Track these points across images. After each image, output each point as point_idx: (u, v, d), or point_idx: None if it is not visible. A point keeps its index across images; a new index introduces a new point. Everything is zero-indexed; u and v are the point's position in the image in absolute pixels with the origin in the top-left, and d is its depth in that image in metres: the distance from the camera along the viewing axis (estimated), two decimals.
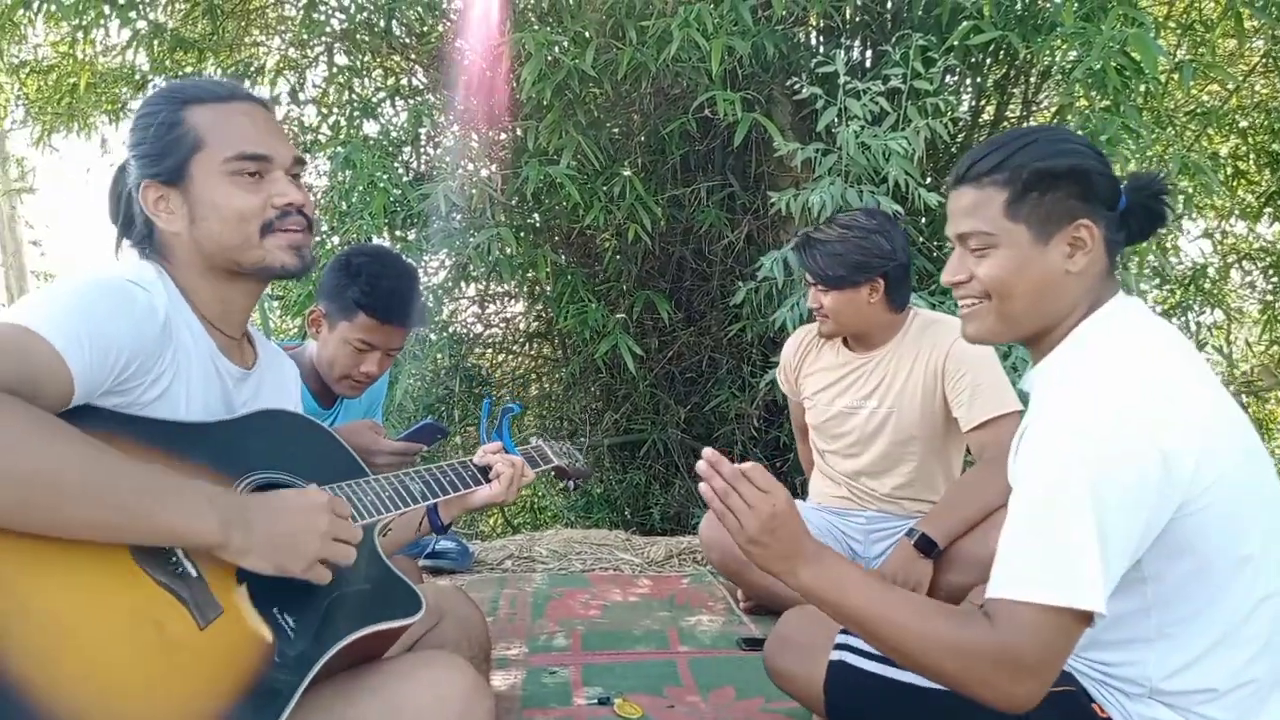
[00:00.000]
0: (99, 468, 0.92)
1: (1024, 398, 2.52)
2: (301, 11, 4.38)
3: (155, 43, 4.12)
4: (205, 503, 0.97)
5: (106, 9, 3.84)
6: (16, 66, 5.20)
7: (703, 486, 1.15)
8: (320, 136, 4.41)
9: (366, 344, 1.86)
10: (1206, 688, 1.11)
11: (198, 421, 1.13)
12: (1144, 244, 3.09)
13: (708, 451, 1.15)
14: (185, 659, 0.95)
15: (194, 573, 1.00)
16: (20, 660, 0.85)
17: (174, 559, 0.99)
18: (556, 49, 3.19)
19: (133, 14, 3.93)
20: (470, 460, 1.49)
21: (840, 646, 1.38)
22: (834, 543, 2.31)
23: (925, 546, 2.00)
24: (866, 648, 1.35)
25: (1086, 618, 1.02)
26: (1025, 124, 4.10)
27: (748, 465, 1.15)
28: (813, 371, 2.40)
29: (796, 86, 3.03)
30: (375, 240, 3.86)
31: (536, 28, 3.24)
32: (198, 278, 1.18)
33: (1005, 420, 2.08)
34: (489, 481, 1.47)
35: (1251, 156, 4.40)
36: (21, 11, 4.19)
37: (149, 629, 0.94)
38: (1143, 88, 3.17)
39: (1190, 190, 3.67)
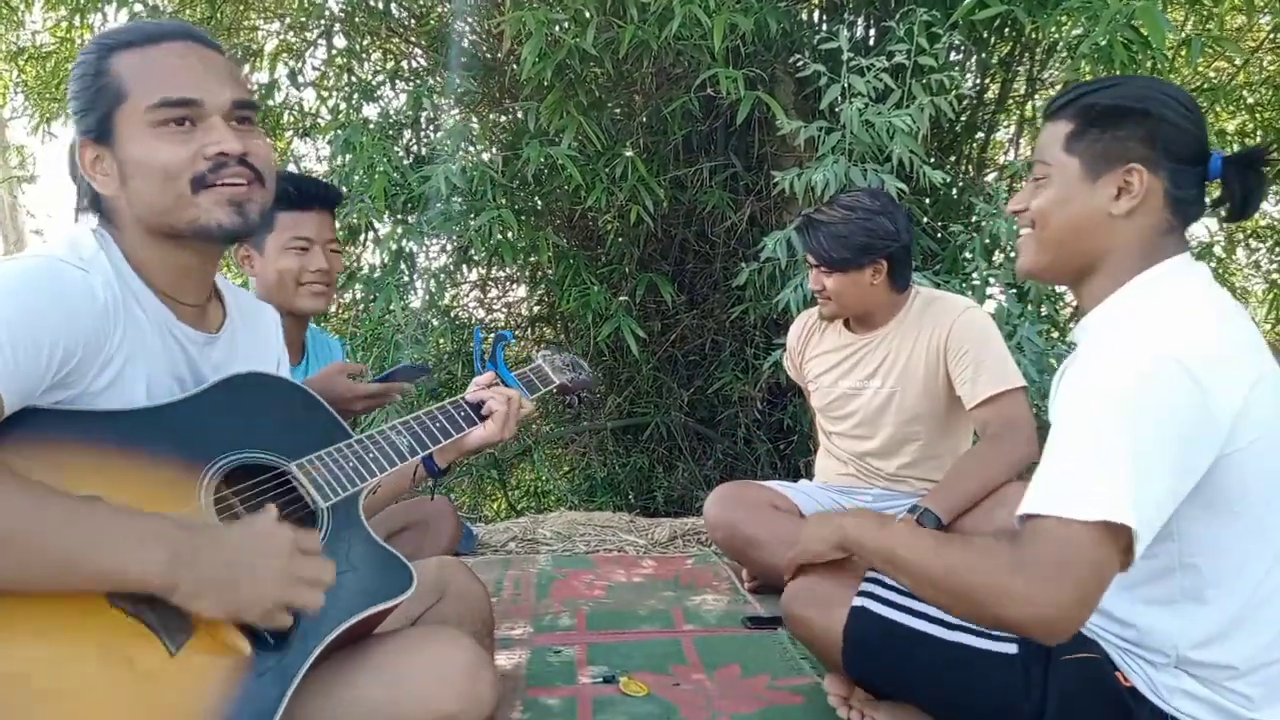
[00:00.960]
0: (36, 523, 0.84)
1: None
2: None
3: None
4: (150, 540, 0.89)
5: None
6: (14, 53, 5.17)
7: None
8: (320, 120, 4.38)
9: (299, 240, 1.80)
10: (1229, 664, 1.09)
11: (154, 405, 1.04)
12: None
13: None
14: (160, 691, 0.90)
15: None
16: None
17: None
18: (557, 28, 3.16)
19: None
20: (462, 398, 1.39)
21: (864, 594, 1.38)
22: None
23: (929, 523, 1.98)
24: (890, 595, 1.35)
25: (1121, 539, 0.99)
26: (1030, 101, 4.06)
27: None
28: (816, 354, 2.39)
29: (799, 64, 3.00)
30: (376, 225, 3.85)
31: (536, 6, 3.21)
32: (143, 244, 1.07)
33: (1009, 396, 2.07)
34: (482, 420, 1.38)
35: (1259, 133, 4.36)
36: None
37: (120, 667, 0.89)
38: (1149, 63, 3.13)
39: None
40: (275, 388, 1.18)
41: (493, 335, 1.50)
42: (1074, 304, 2.80)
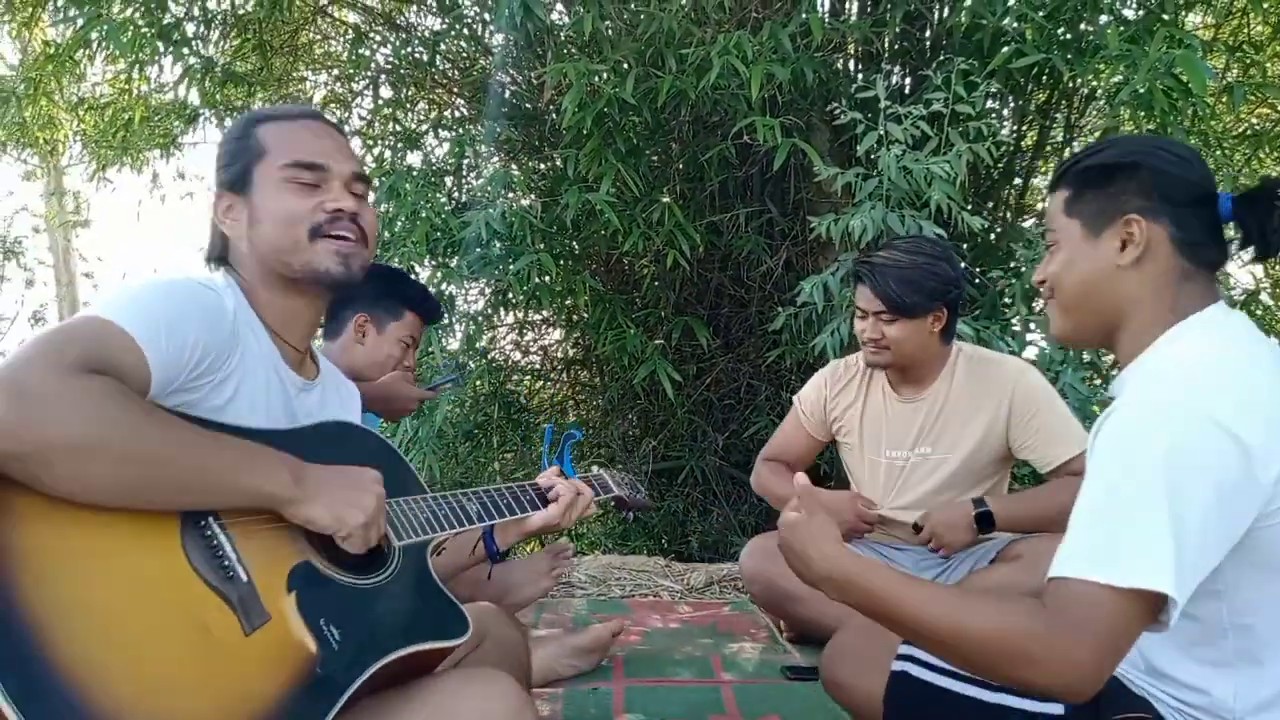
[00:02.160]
0: (185, 438, 0.98)
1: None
2: (348, 47, 4.51)
3: (207, 78, 4.24)
4: (278, 463, 1.04)
5: (161, 46, 3.97)
6: (75, 104, 5.39)
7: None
8: (365, 168, 4.49)
9: (413, 339, 2.11)
10: None
11: (262, 428, 1.13)
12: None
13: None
14: (229, 663, 0.96)
15: (245, 578, 1.01)
16: (69, 649, 0.86)
17: (226, 562, 1.00)
18: (597, 78, 3.23)
19: (185, 50, 4.06)
20: (530, 483, 1.45)
21: (903, 657, 1.35)
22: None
23: (981, 520, 1.95)
24: (929, 659, 1.32)
25: (1152, 604, 0.96)
26: (1068, 148, 4.06)
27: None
28: (850, 413, 2.29)
29: (836, 112, 3.03)
30: (417, 268, 3.93)
31: (577, 58, 3.28)
32: (260, 284, 1.21)
33: (1081, 459, 2.03)
34: (547, 505, 1.43)
35: None
36: (81, 50, 4.36)
37: (196, 631, 0.95)
38: (1190, 110, 3.12)
39: None
40: (368, 439, 1.28)
41: (563, 434, 1.60)
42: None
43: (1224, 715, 1.09)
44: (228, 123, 4.37)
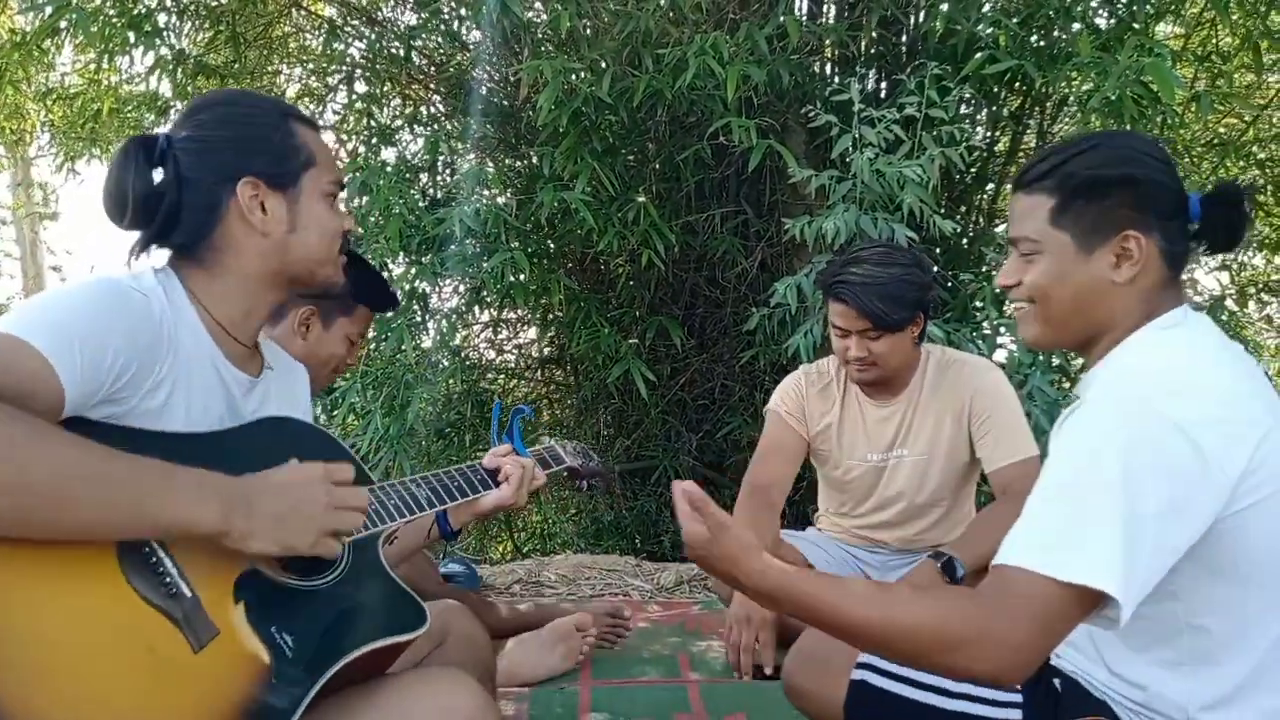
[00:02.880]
0: (97, 468, 0.92)
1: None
2: (322, 41, 4.46)
3: (179, 70, 4.18)
4: (205, 490, 0.97)
5: (132, 36, 3.91)
6: (44, 93, 5.30)
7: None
8: (339, 162, 4.45)
9: (361, 335, 1.92)
10: None
11: (195, 432, 1.10)
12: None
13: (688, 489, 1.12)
14: (178, 683, 0.93)
15: (189, 593, 0.98)
16: (5, 682, 0.83)
17: (168, 579, 0.97)
18: (573, 77, 3.22)
19: (157, 41, 4.00)
20: (479, 463, 1.46)
21: (862, 665, 1.36)
22: (848, 569, 2.27)
23: (949, 569, 1.96)
24: (889, 667, 1.33)
25: (1093, 600, 0.96)
26: None
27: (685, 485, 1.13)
28: (824, 423, 2.26)
29: (811, 114, 3.04)
30: (390, 265, 3.90)
31: (554, 56, 3.27)
32: (238, 285, 1.16)
33: (1029, 462, 2.05)
34: (498, 485, 1.44)
35: (1270, 189, 4.38)
36: (49, 39, 4.29)
37: (140, 652, 0.92)
38: (1160, 118, 3.17)
39: None
40: (309, 434, 1.25)
41: (511, 410, 1.58)
42: None
43: (1176, 715, 1.10)
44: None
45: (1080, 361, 3.43)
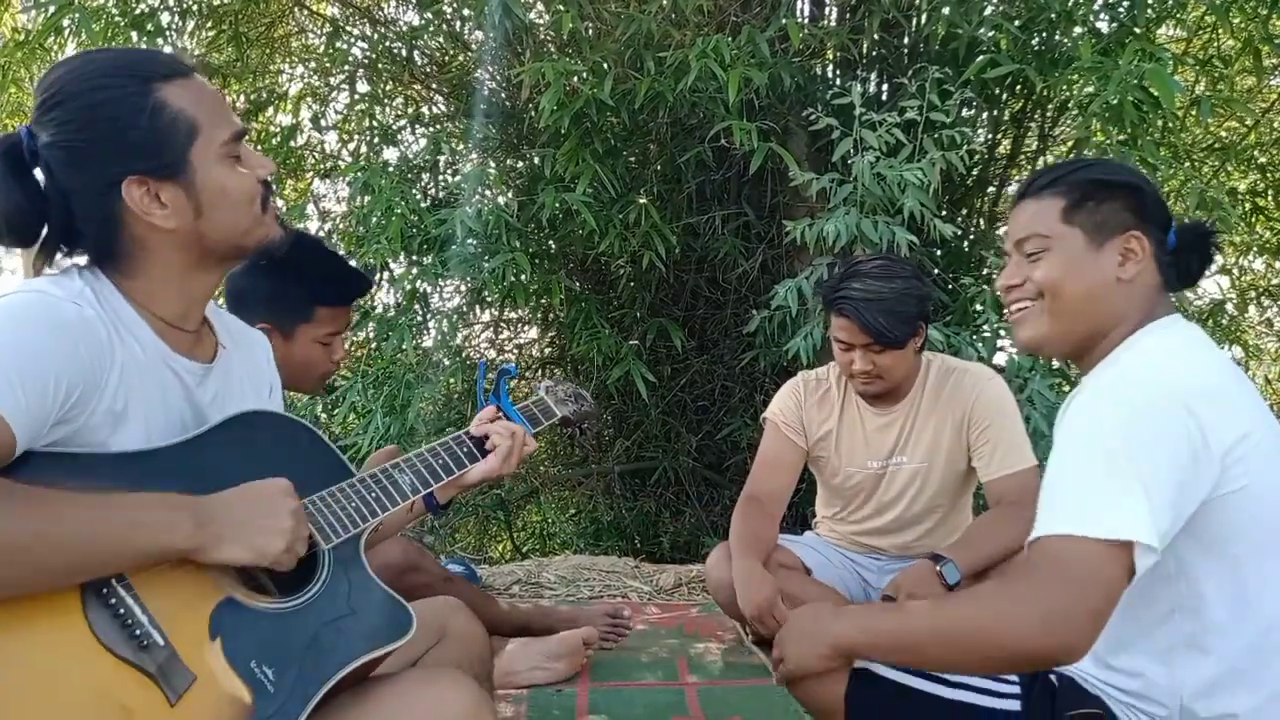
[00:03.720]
0: (60, 518, 0.88)
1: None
2: (325, 40, 4.47)
3: None
4: (172, 510, 0.95)
5: (134, 35, 3.91)
6: None
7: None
8: (341, 162, 4.46)
9: (334, 334, 1.76)
10: (1231, 713, 1.08)
11: (156, 448, 1.03)
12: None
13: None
14: None
15: (161, 641, 0.93)
16: None
17: (139, 631, 0.92)
18: (575, 79, 3.22)
19: (160, 40, 4.01)
20: (465, 432, 1.36)
21: (862, 670, 1.36)
22: (845, 573, 2.28)
23: (949, 572, 1.95)
24: (893, 672, 1.34)
25: (1126, 554, 1.00)
26: (1042, 158, 4.10)
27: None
28: (824, 430, 2.25)
29: (812, 117, 3.05)
30: (392, 265, 3.90)
31: (556, 58, 3.28)
32: (170, 277, 1.07)
33: (1025, 473, 2.05)
34: (485, 455, 1.35)
35: (1270, 193, 4.38)
36: (52, 38, 4.29)
37: (114, 714, 0.88)
38: (1160, 122, 3.17)
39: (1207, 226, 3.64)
40: (278, 426, 1.17)
41: (497, 370, 1.48)
42: None
43: (1168, 703, 1.12)
44: None
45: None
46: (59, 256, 1.07)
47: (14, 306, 0.96)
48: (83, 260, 1.07)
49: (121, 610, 0.92)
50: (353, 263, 2.00)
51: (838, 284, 2.06)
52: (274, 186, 1.16)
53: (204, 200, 1.05)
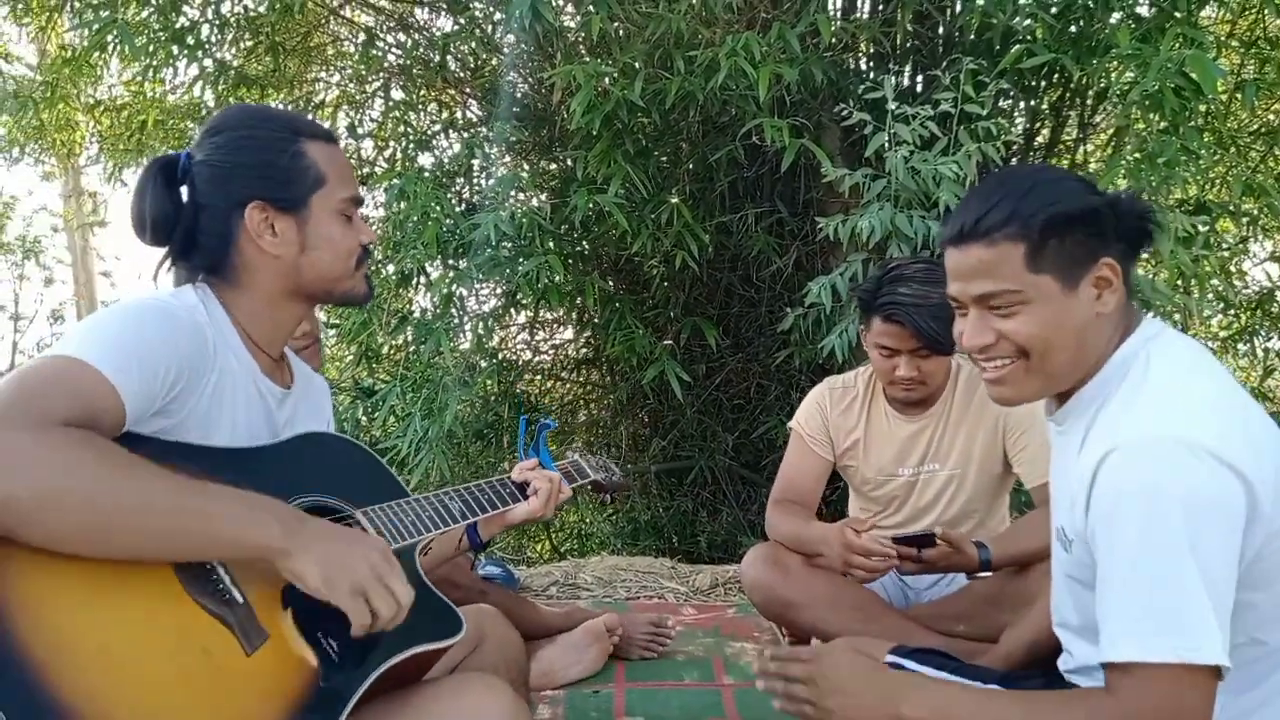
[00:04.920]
0: (170, 491, 0.96)
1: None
2: (360, 49, 4.53)
3: (220, 80, 4.28)
4: (267, 513, 1.01)
5: (175, 49, 4.01)
6: (92, 105, 5.45)
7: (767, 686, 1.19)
8: (377, 169, 4.52)
9: (350, 199, 1.89)
10: None
11: (243, 447, 1.15)
12: (1206, 269, 3.01)
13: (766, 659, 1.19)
14: (232, 684, 0.98)
15: (240, 599, 1.02)
16: (71, 683, 0.88)
17: (221, 585, 1.01)
18: (606, 80, 3.23)
19: (200, 53, 4.10)
20: (508, 477, 1.50)
21: (893, 665, 1.36)
22: (884, 576, 2.25)
23: (981, 556, 1.93)
24: (920, 666, 1.33)
25: (1214, 673, 0.97)
26: (1081, 146, 4.03)
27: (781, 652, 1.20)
28: (853, 438, 2.23)
29: (845, 112, 3.02)
30: (428, 269, 3.94)
31: (586, 60, 3.29)
32: (263, 302, 1.22)
33: None
34: (527, 498, 1.48)
35: None
36: (97, 54, 4.40)
37: (196, 655, 0.96)
38: (1203, 108, 3.09)
39: (1255, 212, 3.55)
40: (345, 447, 1.30)
41: (537, 425, 1.63)
42: None
43: None
44: None
45: None
46: (175, 266, 1.23)
47: (137, 305, 1.10)
48: (198, 276, 1.22)
49: (209, 566, 1.02)
50: (391, 268, 2.07)
51: (879, 288, 2.01)
52: (371, 253, 1.31)
53: (311, 240, 1.22)
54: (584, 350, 4.96)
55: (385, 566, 1.04)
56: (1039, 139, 4.05)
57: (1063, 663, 1.25)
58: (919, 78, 3.89)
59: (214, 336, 1.14)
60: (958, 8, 3.64)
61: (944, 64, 3.07)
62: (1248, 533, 0.99)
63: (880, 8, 3.76)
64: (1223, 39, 3.67)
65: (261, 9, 4.30)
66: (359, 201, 1.27)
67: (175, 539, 0.96)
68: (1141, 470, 1.00)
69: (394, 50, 4.53)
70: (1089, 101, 3.84)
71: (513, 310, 4.46)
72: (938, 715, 1.07)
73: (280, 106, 4.38)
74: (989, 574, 1.97)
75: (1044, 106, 3.91)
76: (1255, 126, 4.06)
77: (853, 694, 1.10)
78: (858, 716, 1.10)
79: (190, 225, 1.19)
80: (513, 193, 3.83)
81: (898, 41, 3.82)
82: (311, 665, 1.04)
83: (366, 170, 4.55)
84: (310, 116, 4.64)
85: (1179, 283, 2.98)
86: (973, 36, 3.43)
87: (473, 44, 4.25)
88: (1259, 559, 1.02)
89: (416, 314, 3.99)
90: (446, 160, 4.31)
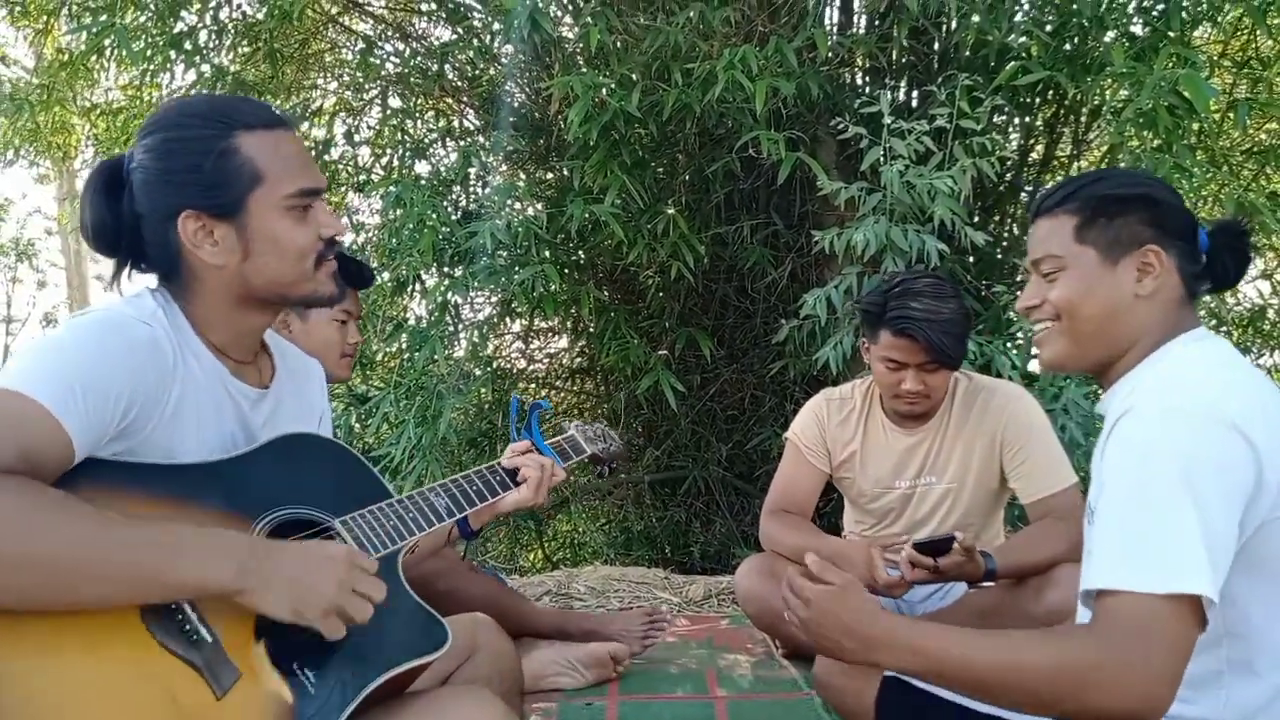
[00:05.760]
0: (108, 539, 0.91)
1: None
2: (358, 56, 4.54)
3: (218, 85, 4.28)
4: (219, 551, 0.96)
5: (173, 54, 4.01)
6: (88, 109, 5.44)
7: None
8: (373, 176, 4.53)
9: (345, 313, 1.90)
10: None
11: (208, 461, 1.09)
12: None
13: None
14: None
15: (209, 637, 0.97)
16: None
17: (188, 625, 0.97)
18: (603, 91, 3.24)
19: (197, 58, 4.10)
20: (498, 463, 1.45)
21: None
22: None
23: (987, 564, 1.93)
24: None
25: (1194, 607, 0.98)
26: (1075, 163, 4.05)
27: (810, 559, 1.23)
28: (850, 451, 2.24)
29: (841, 126, 3.03)
30: (424, 277, 3.94)
31: (584, 71, 3.30)
32: (217, 311, 1.14)
33: (1067, 493, 2.02)
34: (517, 485, 1.43)
35: None
36: (94, 58, 4.40)
37: (163, 705, 0.92)
38: (1195, 126, 3.11)
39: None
40: (323, 449, 1.23)
41: (529, 405, 1.57)
42: None
43: None
44: None
45: None
46: (134, 272, 1.15)
47: (89, 324, 1.03)
48: (154, 282, 1.15)
49: (174, 606, 0.97)
50: (386, 275, 2.09)
51: (889, 302, 2.01)
52: (338, 245, 1.18)
53: (253, 245, 1.11)
54: (579, 359, 4.97)
55: (353, 574, 1.01)
56: (1033, 155, 4.07)
57: None
58: (915, 93, 3.92)
59: (175, 345, 1.08)
60: (953, 24, 3.66)
61: (939, 80, 3.09)
62: (1251, 501, 1.02)
63: (876, 23, 3.79)
64: (1215, 59, 3.70)
65: (259, 15, 4.30)
66: (315, 192, 1.13)
67: (124, 591, 0.92)
68: (1151, 427, 1.05)
69: (392, 59, 4.54)
70: (1083, 118, 3.87)
71: (508, 319, 4.47)
72: (919, 655, 1.09)
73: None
74: (990, 584, 1.98)
75: (1039, 123, 3.94)
76: (1247, 146, 4.10)
77: (832, 632, 1.17)
78: (842, 654, 1.17)
79: (133, 234, 1.11)
80: (509, 202, 3.84)
81: (894, 57, 3.85)
82: (286, 702, 0.99)
83: (363, 177, 4.55)
84: (305, 125, 4.66)
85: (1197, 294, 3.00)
86: (968, 53, 3.45)
87: (471, 54, 4.27)
88: (1250, 545, 1.03)
89: (411, 321, 3.99)
90: (443, 169, 4.32)
